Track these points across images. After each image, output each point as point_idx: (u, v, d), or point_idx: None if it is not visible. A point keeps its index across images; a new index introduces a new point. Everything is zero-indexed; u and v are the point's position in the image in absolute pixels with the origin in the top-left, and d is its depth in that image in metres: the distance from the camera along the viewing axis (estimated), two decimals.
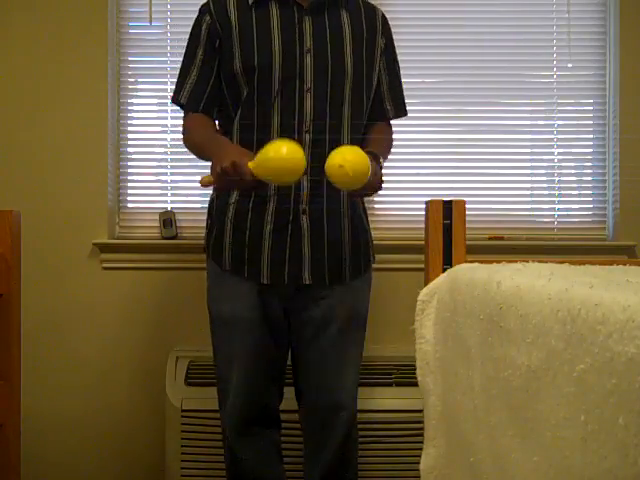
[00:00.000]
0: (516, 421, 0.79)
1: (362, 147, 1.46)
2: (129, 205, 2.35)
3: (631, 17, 2.31)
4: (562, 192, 2.37)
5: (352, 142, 1.59)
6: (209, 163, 1.49)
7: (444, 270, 1.23)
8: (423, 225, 1.29)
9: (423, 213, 1.29)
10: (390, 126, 1.80)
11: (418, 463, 1.20)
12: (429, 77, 2.32)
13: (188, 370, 2.08)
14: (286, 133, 1.55)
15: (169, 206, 2.32)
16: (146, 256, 2.27)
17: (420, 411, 1.23)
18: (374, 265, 1.75)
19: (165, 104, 2.35)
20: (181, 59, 1.72)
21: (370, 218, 1.79)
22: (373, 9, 1.74)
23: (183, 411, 2.00)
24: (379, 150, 1.60)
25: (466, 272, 1.08)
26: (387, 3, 2.24)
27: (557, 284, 0.74)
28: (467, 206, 1.25)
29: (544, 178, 2.40)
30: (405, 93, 1.81)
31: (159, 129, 2.36)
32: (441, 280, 1.20)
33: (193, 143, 1.68)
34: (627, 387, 0.54)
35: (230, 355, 1.65)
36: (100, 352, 2.26)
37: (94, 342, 2.26)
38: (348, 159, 1.37)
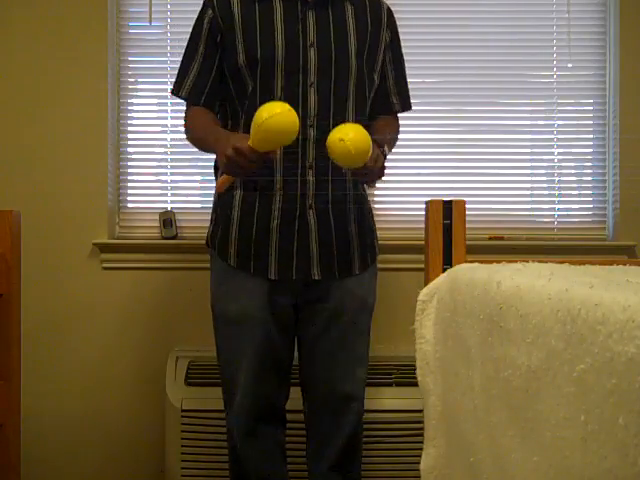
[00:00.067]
0: (516, 421, 0.79)
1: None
2: (129, 205, 2.35)
3: (631, 17, 2.31)
4: (562, 192, 2.37)
5: None
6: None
7: (444, 270, 1.23)
8: (423, 225, 1.29)
9: (423, 213, 1.29)
10: (397, 119, 1.81)
11: (418, 463, 1.20)
12: (429, 77, 2.32)
13: (188, 370, 2.08)
14: None
15: (169, 206, 2.32)
16: (146, 256, 2.27)
17: (420, 411, 1.23)
18: None
19: (165, 104, 2.35)
20: (181, 58, 1.72)
21: None
22: (378, 2, 1.73)
23: (183, 411, 2.00)
24: (383, 138, 1.61)
25: (466, 272, 1.08)
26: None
27: (557, 284, 0.74)
28: (467, 206, 1.25)
29: (544, 178, 2.40)
30: None
31: (159, 129, 2.36)
32: (441, 280, 1.20)
33: (195, 137, 1.69)
34: (627, 387, 0.54)
35: (237, 354, 1.64)
36: (100, 352, 2.26)
37: (94, 342, 2.26)
38: (349, 134, 1.38)
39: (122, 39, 2.34)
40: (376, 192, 2.31)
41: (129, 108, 2.36)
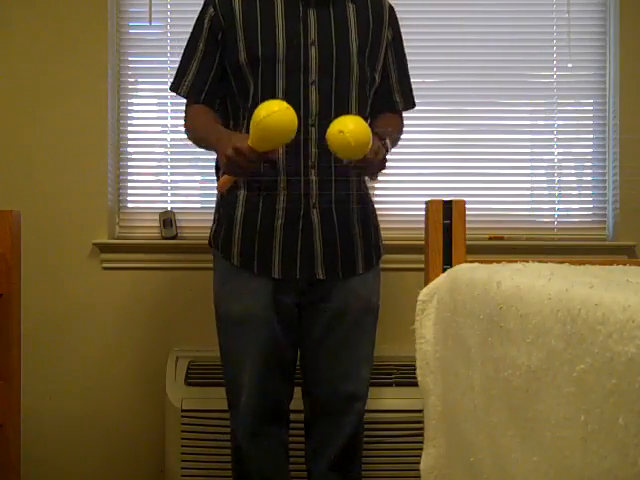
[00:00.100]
0: (516, 421, 0.79)
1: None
2: (129, 205, 2.35)
3: (631, 17, 2.31)
4: (562, 192, 2.37)
5: None
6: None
7: (444, 270, 1.23)
8: (423, 225, 1.29)
9: (423, 213, 1.29)
10: (401, 117, 1.81)
11: (418, 463, 1.20)
12: (429, 77, 2.32)
13: (188, 370, 2.08)
14: None
15: (169, 206, 2.32)
16: (146, 256, 2.27)
17: (420, 411, 1.23)
18: None
19: (165, 104, 2.35)
20: (181, 56, 1.72)
21: None
22: (380, 0, 1.73)
23: (183, 411, 2.00)
24: (385, 131, 1.61)
25: (466, 272, 1.08)
26: None
27: (557, 284, 0.74)
28: (467, 206, 1.25)
29: (544, 178, 2.40)
30: None
31: (159, 129, 2.36)
32: (441, 280, 1.20)
33: (196, 136, 1.69)
34: (627, 387, 0.54)
35: (241, 354, 1.64)
36: (100, 352, 2.26)
37: (94, 342, 2.26)
38: (349, 126, 1.38)
39: (122, 39, 2.34)
40: (376, 192, 2.31)
41: (129, 108, 2.36)
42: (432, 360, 1.18)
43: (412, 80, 1.82)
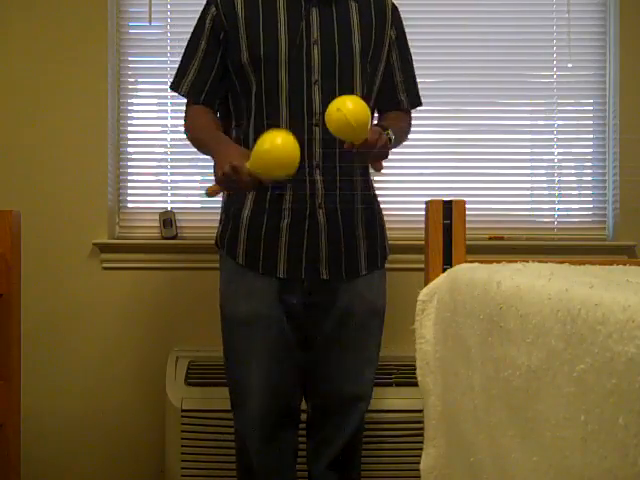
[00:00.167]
0: (516, 421, 0.79)
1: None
2: (129, 205, 2.35)
3: (631, 17, 2.31)
4: (562, 192, 2.37)
5: None
6: (210, 164, 1.49)
7: (444, 270, 1.23)
8: (423, 225, 1.29)
9: (423, 213, 1.29)
10: (408, 116, 1.79)
11: (418, 463, 1.20)
12: (429, 77, 2.32)
13: (188, 370, 2.08)
14: (295, 126, 1.55)
15: (169, 206, 2.32)
16: (146, 256, 2.27)
17: (420, 411, 1.23)
18: None
19: (165, 104, 2.35)
20: (182, 55, 1.72)
21: None
22: None
23: (183, 411, 2.00)
24: (388, 124, 1.59)
25: (466, 272, 1.08)
26: None
27: (557, 284, 0.74)
28: (467, 206, 1.25)
29: (544, 178, 2.40)
30: None
31: (159, 129, 2.36)
32: (441, 280, 1.20)
33: (194, 137, 1.68)
34: (627, 387, 0.54)
35: (249, 355, 1.62)
36: (100, 352, 2.26)
37: (94, 342, 2.26)
38: (347, 104, 1.36)
39: (122, 39, 2.34)
40: (377, 192, 2.30)
41: (129, 108, 2.36)
42: (432, 360, 1.18)
43: None
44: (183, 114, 1.74)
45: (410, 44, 1.79)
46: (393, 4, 1.75)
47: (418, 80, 1.80)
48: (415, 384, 1.22)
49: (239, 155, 1.43)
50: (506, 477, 0.82)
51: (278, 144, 1.36)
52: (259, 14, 1.61)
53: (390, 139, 1.51)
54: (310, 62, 1.59)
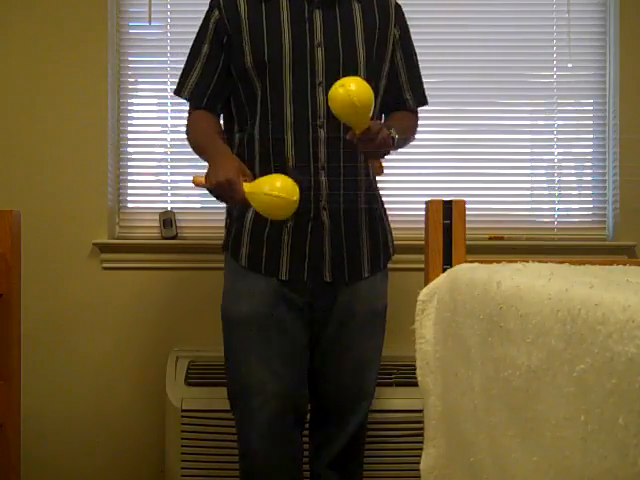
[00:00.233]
0: (516, 421, 0.79)
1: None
2: (129, 205, 2.35)
3: (631, 17, 2.31)
4: (562, 192, 2.37)
5: None
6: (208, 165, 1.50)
7: (444, 270, 1.23)
8: (423, 225, 1.29)
9: (423, 213, 1.29)
10: (415, 115, 1.79)
11: (418, 463, 1.20)
12: (429, 77, 2.29)
13: (188, 370, 2.08)
14: (300, 127, 1.56)
15: (169, 206, 2.32)
16: (146, 256, 2.27)
17: (420, 411, 1.23)
18: None
19: (165, 104, 2.35)
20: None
21: None
22: None
23: (183, 411, 2.00)
24: (391, 123, 1.59)
25: (466, 272, 1.08)
26: None
27: (557, 284, 0.74)
28: (467, 206, 1.25)
29: (544, 178, 2.40)
30: None
31: (159, 129, 2.36)
32: (441, 280, 1.20)
33: (194, 143, 1.69)
34: (627, 387, 0.54)
35: (250, 356, 1.61)
36: (100, 352, 2.26)
37: (94, 342, 2.26)
38: (351, 84, 1.37)
39: (122, 39, 2.34)
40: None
41: (129, 108, 2.36)
42: (432, 360, 1.18)
43: None
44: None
45: None
46: (396, 3, 1.74)
47: None
48: (415, 384, 1.23)
49: (236, 170, 1.44)
50: (506, 477, 0.82)
51: (273, 194, 1.38)
52: (262, 17, 1.61)
53: (393, 138, 1.51)
54: (314, 64, 1.59)
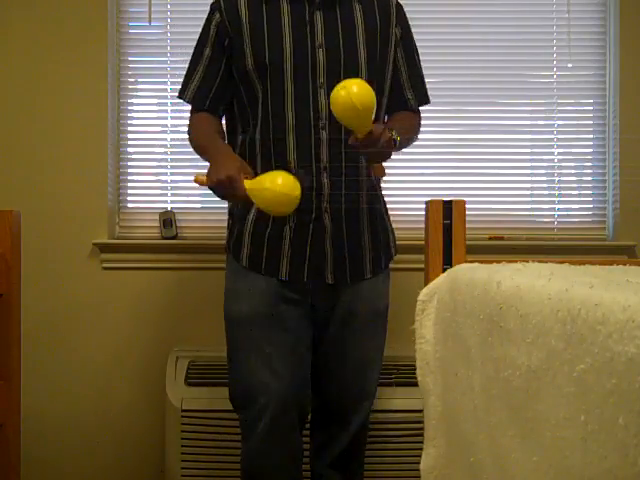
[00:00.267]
0: (516, 421, 0.79)
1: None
2: (129, 205, 2.35)
3: (631, 17, 2.31)
4: (562, 192, 2.37)
5: None
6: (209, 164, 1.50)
7: (444, 270, 1.23)
8: (423, 225, 1.29)
9: (423, 213, 1.29)
10: (417, 115, 1.78)
11: (418, 463, 1.20)
12: (429, 77, 2.30)
13: (188, 370, 2.08)
14: (302, 130, 1.56)
15: (169, 206, 2.32)
16: (146, 256, 2.27)
17: (420, 411, 1.23)
18: None
19: (165, 104, 2.35)
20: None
21: None
22: None
23: (183, 411, 2.00)
24: (393, 125, 1.59)
25: (466, 272, 1.08)
26: None
27: (557, 284, 0.74)
28: (467, 206, 1.25)
29: (544, 178, 2.40)
30: None
31: (159, 129, 2.36)
32: (441, 280, 1.20)
33: (196, 143, 1.69)
34: (627, 387, 0.54)
35: (251, 356, 1.61)
36: (100, 352, 2.26)
37: (94, 342, 2.26)
38: (352, 86, 1.37)
39: (122, 39, 2.34)
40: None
41: (129, 108, 2.36)
42: (432, 360, 1.18)
43: None
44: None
45: None
46: (397, 2, 1.74)
47: None
48: (415, 384, 1.22)
49: (238, 168, 1.44)
50: (506, 477, 0.82)
51: (276, 190, 1.38)
52: (263, 19, 1.61)
53: (395, 140, 1.50)
54: (315, 65, 1.59)
